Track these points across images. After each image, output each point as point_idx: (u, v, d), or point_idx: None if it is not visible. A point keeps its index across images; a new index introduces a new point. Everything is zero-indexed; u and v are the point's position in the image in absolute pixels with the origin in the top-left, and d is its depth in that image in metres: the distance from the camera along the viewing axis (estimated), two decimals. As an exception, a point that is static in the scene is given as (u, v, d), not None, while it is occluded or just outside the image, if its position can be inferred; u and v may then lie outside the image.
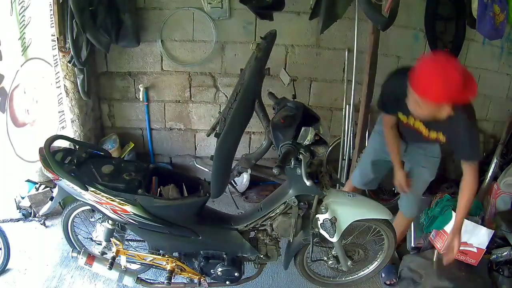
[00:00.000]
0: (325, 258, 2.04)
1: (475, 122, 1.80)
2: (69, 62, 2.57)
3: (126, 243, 2.12)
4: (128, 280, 1.86)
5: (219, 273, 1.89)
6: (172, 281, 1.87)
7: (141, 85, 2.97)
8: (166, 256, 1.90)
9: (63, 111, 2.58)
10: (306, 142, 1.51)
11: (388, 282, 2.32)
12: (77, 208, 2.05)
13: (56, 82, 2.48)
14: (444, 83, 1.46)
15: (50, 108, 2.45)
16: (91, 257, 1.84)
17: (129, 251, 1.92)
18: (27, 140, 2.18)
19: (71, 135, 2.72)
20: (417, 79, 1.51)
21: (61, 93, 2.55)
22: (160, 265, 1.94)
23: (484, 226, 2.24)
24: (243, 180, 3.14)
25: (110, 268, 1.81)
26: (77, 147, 1.96)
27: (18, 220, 2.67)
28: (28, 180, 2.58)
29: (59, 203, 2.22)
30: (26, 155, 2.17)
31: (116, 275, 1.84)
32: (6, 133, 2.03)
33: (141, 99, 3.01)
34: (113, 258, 1.83)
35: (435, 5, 2.85)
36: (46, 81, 2.38)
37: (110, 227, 1.88)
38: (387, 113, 1.97)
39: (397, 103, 1.76)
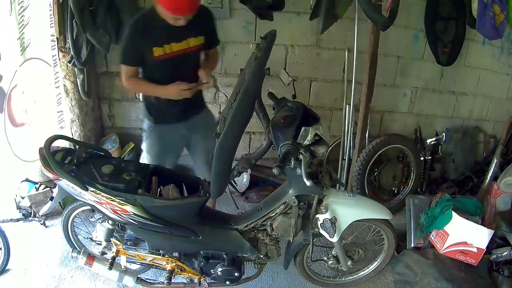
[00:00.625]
0: (325, 258, 2.04)
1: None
2: (69, 62, 2.57)
3: (127, 243, 2.13)
4: (128, 280, 1.86)
5: (219, 273, 1.89)
6: (172, 281, 1.86)
7: (141, 85, 2.97)
8: (166, 256, 1.90)
9: (62, 111, 2.58)
10: (306, 142, 1.51)
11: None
12: (77, 208, 2.05)
13: (55, 82, 2.48)
14: None
15: (49, 108, 2.45)
16: (91, 257, 1.84)
17: (129, 251, 1.92)
18: (24, 140, 2.18)
19: (70, 135, 2.73)
20: (164, 4, 1.67)
21: (60, 93, 2.55)
22: (160, 265, 1.94)
23: (484, 226, 2.24)
24: (243, 180, 3.14)
25: (110, 268, 1.81)
26: (77, 147, 1.96)
27: (18, 220, 2.67)
28: (26, 180, 2.58)
29: (59, 203, 2.22)
30: (23, 154, 2.17)
31: (116, 275, 1.84)
32: (4, 133, 2.04)
33: (141, 99, 3.01)
34: (113, 258, 1.83)
35: (435, 5, 2.85)
36: (45, 81, 2.38)
37: (110, 227, 1.88)
38: (134, 64, 1.91)
39: (147, 40, 1.81)
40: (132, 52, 1.87)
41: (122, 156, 3.01)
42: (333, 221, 1.76)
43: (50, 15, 2.34)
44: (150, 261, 1.94)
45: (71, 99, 2.75)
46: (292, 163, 1.56)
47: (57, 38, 2.45)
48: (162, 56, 1.86)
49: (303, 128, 1.50)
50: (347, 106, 2.92)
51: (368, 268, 2.24)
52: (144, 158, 2.21)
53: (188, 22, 1.80)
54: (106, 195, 1.69)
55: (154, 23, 1.80)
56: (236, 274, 1.91)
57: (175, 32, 1.83)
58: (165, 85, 1.92)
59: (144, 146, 2.21)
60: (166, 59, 1.88)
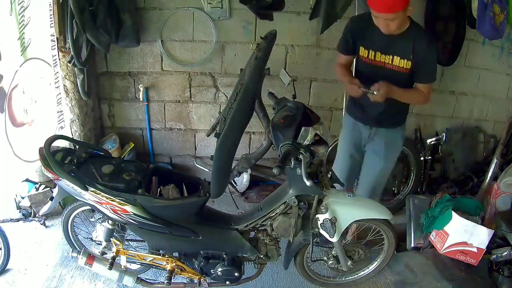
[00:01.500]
0: (325, 258, 2.04)
1: (435, 40, 1.95)
2: (69, 62, 2.57)
3: (126, 243, 2.12)
4: (128, 280, 1.86)
5: (219, 273, 1.89)
6: (172, 281, 1.87)
7: (141, 85, 2.97)
8: (166, 256, 1.90)
9: (62, 111, 2.57)
10: (306, 142, 1.51)
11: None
12: (77, 208, 2.05)
13: (55, 82, 2.48)
14: None
15: (49, 108, 2.45)
16: (91, 257, 1.84)
17: (129, 251, 1.92)
18: (25, 140, 2.18)
19: (70, 135, 2.72)
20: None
21: (60, 93, 2.55)
22: (160, 265, 1.94)
23: (484, 226, 2.24)
24: (243, 180, 3.14)
25: (110, 268, 1.81)
26: (77, 147, 1.96)
27: (18, 220, 2.67)
28: (27, 180, 2.58)
29: (59, 203, 2.22)
30: (24, 155, 2.17)
31: (116, 275, 1.84)
32: (5, 133, 2.03)
33: (141, 99, 3.01)
34: (113, 258, 1.83)
35: (435, 5, 2.85)
36: (45, 81, 2.38)
37: (110, 227, 1.88)
38: (346, 53, 2.03)
39: (358, 37, 1.90)
40: (343, 41, 1.99)
41: (122, 156, 3.01)
42: (333, 221, 1.76)
43: (50, 15, 2.34)
44: (150, 261, 1.94)
45: (71, 99, 2.75)
46: (292, 163, 1.56)
47: (57, 38, 2.45)
48: (365, 59, 1.90)
49: (303, 128, 1.50)
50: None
51: (368, 268, 2.24)
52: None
53: (399, 38, 1.79)
54: (106, 195, 1.69)
55: (370, 24, 1.82)
56: (236, 274, 1.91)
57: (384, 43, 1.83)
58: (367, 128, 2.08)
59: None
60: (368, 63, 1.90)
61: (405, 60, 1.84)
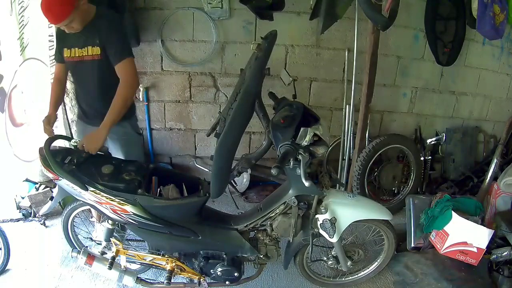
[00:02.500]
0: (325, 258, 2.04)
1: (118, 17, 1.98)
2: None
3: (126, 243, 2.12)
4: (128, 280, 1.86)
5: (219, 273, 1.89)
6: (172, 281, 1.86)
7: (141, 85, 2.97)
8: (166, 256, 1.90)
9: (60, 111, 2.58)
10: (305, 143, 1.51)
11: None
12: (77, 208, 2.05)
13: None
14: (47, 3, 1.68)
15: (47, 108, 2.45)
16: (91, 257, 1.84)
17: (129, 251, 1.92)
18: (24, 140, 2.18)
19: (70, 135, 2.72)
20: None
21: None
22: (160, 265, 1.93)
23: (484, 226, 2.24)
24: (243, 180, 3.14)
25: (110, 268, 1.81)
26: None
27: (18, 220, 2.67)
28: (27, 180, 2.58)
29: (59, 203, 2.23)
30: (23, 154, 2.17)
31: (116, 275, 1.84)
32: (5, 133, 2.04)
33: (141, 99, 3.01)
34: (113, 258, 1.83)
35: (435, 5, 2.85)
36: (42, 81, 2.38)
37: (110, 227, 1.88)
38: (56, 60, 2.01)
39: (61, 40, 1.92)
40: (56, 49, 1.99)
41: (122, 156, 3.01)
42: (333, 222, 1.75)
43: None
44: (150, 261, 1.94)
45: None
46: (291, 163, 1.56)
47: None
48: (69, 58, 1.90)
49: (302, 129, 1.50)
50: (347, 106, 2.93)
51: (368, 268, 2.24)
52: None
53: (85, 29, 1.82)
54: (106, 195, 1.69)
55: None
56: (236, 274, 1.91)
57: (77, 38, 1.85)
58: (76, 85, 2.04)
59: None
60: (72, 61, 1.91)
61: (96, 47, 1.85)
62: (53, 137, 1.80)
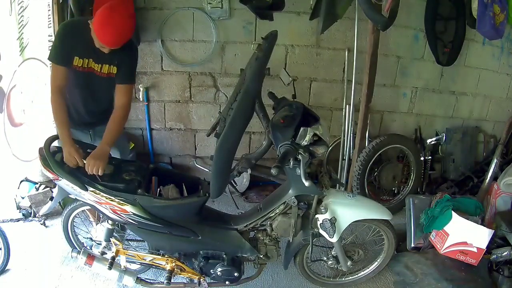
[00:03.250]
0: (325, 258, 2.04)
1: (135, 45, 2.04)
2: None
3: (126, 243, 2.12)
4: (128, 280, 1.86)
5: (218, 273, 1.89)
6: (172, 281, 1.86)
7: (141, 85, 2.97)
8: (166, 256, 1.90)
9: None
10: (305, 143, 1.51)
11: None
12: (77, 208, 2.05)
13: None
14: (116, 32, 1.71)
15: (46, 108, 2.45)
16: (91, 257, 1.84)
17: (129, 251, 1.92)
18: (23, 140, 2.18)
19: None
20: (97, 29, 1.70)
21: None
22: (160, 265, 1.94)
23: (484, 226, 2.24)
24: (243, 180, 3.14)
25: (110, 268, 1.81)
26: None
27: (18, 220, 2.67)
28: (26, 180, 2.58)
29: (59, 203, 2.22)
30: (21, 154, 2.17)
31: (116, 275, 1.84)
32: (3, 133, 2.03)
33: (141, 99, 3.01)
34: (113, 258, 1.83)
35: (435, 5, 2.85)
36: (41, 81, 2.38)
37: (110, 227, 1.88)
38: (62, 63, 1.84)
39: (75, 46, 1.83)
40: (59, 49, 1.86)
41: (122, 156, 3.01)
42: (333, 221, 1.75)
43: (49, 15, 2.34)
44: (150, 261, 1.94)
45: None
46: (291, 163, 1.56)
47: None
48: (79, 68, 1.87)
49: (301, 128, 1.50)
50: (347, 106, 2.93)
51: (368, 268, 2.24)
52: None
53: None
54: (105, 195, 1.70)
55: (82, 33, 1.80)
56: (235, 274, 1.91)
57: (95, 52, 1.83)
58: (77, 91, 1.95)
59: None
60: (81, 71, 1.88)
61: (113, 66, 1.89)
62: (53, 137, 1.80)
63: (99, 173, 1.70)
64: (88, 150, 1.78)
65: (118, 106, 1.92)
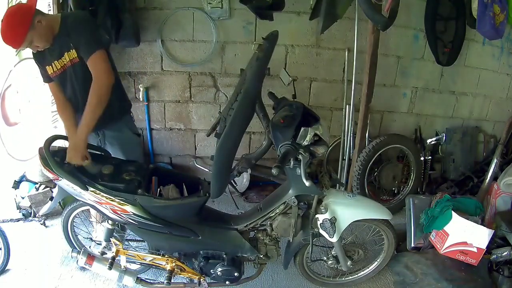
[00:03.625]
0: (325, 258, 2.04)
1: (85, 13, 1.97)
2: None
3: (126, 243, 2.12)
4: (128, 280, 1.87)
5: (219, 273, 1.90)
6: (172, 281, 1.87)
7: (141, 85, 2.97)
8: (166, 256, 1.90)
9: (55, 110, 2.57)
10: (305, 143, 1.51)
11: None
12: (77, 208, 2.05)
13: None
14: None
15: (43, 107, 2.45)
16: (91, 257, 1.85)
17: (129, 251, 1.92)
18: (18, 139, 2.17)
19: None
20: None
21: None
22: (160, 265, 1.94)
23: (484, 226, 2.24)
24: (243, 180, 3.14)
25: (110, 268, 1.81)
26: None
27: (18, 220, 2.68)
28: (26, 180, 2.57)
29: (59, 203, 2.23)
30: (17, 154, 2.16)
31: (116, 275, 1.85)
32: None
33: (141, 99, 3.01)
34: (113, 258, 1.83)
35: (435, 5, 2.85)
36: (39, 81, 2.38)
37: (110, 227, 1.88)
38: (48, 80, 1.94)
39: (39, 61, 1.88)
40: (41, 72, 1.94)
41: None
42: (333, 221, 1.75)
43: (49, 15, 2.33)
44: (150, 261, 1.94)
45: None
46: (292, 163, 1.56)
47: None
48: (53, 74, 1.88)
49: (302, 128, 1.50)
50: (347, 106, 2.93)
51: (368, 268, 2.24)
52: None
53: (56, 40, 1.79)
54: (106, 195, 1.69)
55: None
56: (236, 274, 1.91)
57: (52, 51, 1.83)
58: (69, 95, 1.94)
59: None
60: (58, 75, 1.88)
61: (71, 51, 1.81)
62: (53, 137, 1.80)
63: (84, 164, 1.69)
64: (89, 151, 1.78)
65: (92, 82, 1.76)
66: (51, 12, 2.35)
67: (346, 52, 2.93)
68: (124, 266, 1.88)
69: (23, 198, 2.69)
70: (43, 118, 2.46)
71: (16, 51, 2.08)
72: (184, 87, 3.03)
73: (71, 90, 1.94)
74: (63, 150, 1.83)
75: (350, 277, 2.25)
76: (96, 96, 1.74)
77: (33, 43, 1.74)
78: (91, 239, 2.14)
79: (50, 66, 1.86)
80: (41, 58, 1.88)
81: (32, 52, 1.89)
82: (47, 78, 1.94)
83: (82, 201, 1.84)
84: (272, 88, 2.24)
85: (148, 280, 1.98)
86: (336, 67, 3.00)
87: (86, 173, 1.73)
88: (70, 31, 1.78)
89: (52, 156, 1.70)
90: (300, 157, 1.51)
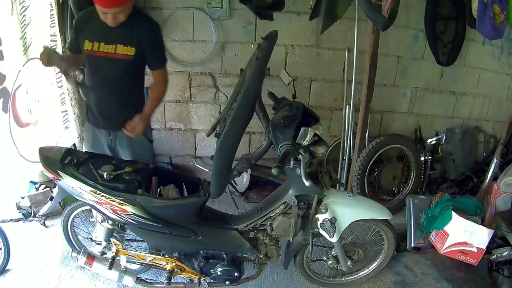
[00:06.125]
0: (325, 258, 2.04)
1: (157, 23, 1.98)
2: (69, 62, 2.57)
3: (126, 243, 2.12)
4: (128, 280, 1.87)
5: (219, 273, 1.90)
6: (172, 281, 1.87)
7: (141, 85, 2.97)
8: (166, 256, 1.90)
9: (66, 110, 2.57)
10: (305, 143, 1.51)
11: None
12: (77, 208, 2.05)
13: (57, 82, 2.48)
14: None
15: (53, 108, 2.45)
16: (91, 257, 1.85)
17: (129, 251, 1.92)
18: (30, 140, 2.17)
19: (74, 135, 2.72)
20: None
21: (63, 93, 2.55)
22: (160, 265, 1.94)
23: (484, 226, 2.24)
24: (243, 180, 3.14)
25: (110, 268, 1.81)
26: (77, 147, 1.96)
27: (18, 220, 2.67)
28: (31, 181, 2.58)
29: (59, 203, 2.22)
30: (29, 155, 2.16)
31: (116, 275, 1.85)
32: (10, 133, 2.03)
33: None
34: (113, 258, 1.83)
35: (435, 5, 2.85)
36: (47, 81, 2.38)
37: (110, 227, 1.88)
38: (74, 49, 1.97)
39: (82, 31, 1.88)
40: (72, 38, 1.96)
41: (122, 156, 3.01)
42: (333, 221, 1.76)
43: (51, 15, 2.34)
44: (150, 261, 1.94)
45: (71, 99, 2.75)
46: (292, 163, 1.56)
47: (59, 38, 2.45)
48: (90, 52, 1.86)
49: (302, 129, 1.50)
50: (347, 106, 2.93)
51: (368, 268, 2.24)
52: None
53: (119, 26, 1.80)
54: (106, 195, 1.69)
55: (92, 17, 1.81)
56: (236, 274, 1.91)
57: (106, 33, 1.82)
58: (93, 83, 1.98)
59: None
60: (94, 56, 1.87)
61: (129, 47, 1.84)
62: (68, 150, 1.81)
63: (136, 136, 1.87)
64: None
65: (159, 84, 2.03)
66: (52, 12, 2.35)
67: (346, 52, 2.93)
68: (124, 266, 1.88)
69: (23, 198, 2.70)
70: (53, 118, 2.46)
71: (23, 50, 2.08)
72: (184, 87, 3.03)
73: (99, 78, 1.92)
74: (63, 150, 1.83)
75: (350, 277, 2.25)
76: (160, 98, 2.08)
77: (120, 13, 1.74)
78: (91, 239, 2.14)
79: (91, 43, 1.84)
80: (83, 28, 1.85)
81: (78, 17, 1.93)
82: (74, 47, 1.95)
83: (82, 201, 1.84)
84: (272, 88, 2.24)
85: (148, 280, 1.98)
86: (336, 67, 3.00)
87: (86, 173, 1.73)
88: (145, 33, 1.84)
89: (52, 156, 1.70)
90: (300, 157, 1.51)
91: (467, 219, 2.23)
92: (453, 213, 2.25)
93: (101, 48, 1.84)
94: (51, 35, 2.36)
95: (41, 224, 2.63)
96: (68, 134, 2.57)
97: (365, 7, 2.01)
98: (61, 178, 1.72)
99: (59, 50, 2.45)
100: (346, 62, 2.96)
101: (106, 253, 1.92)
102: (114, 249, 1.87)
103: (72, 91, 2.73)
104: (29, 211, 2.69)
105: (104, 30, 1.81)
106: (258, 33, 2.84)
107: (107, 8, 1.70)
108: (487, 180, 2.89)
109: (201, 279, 1.94)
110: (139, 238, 2.09)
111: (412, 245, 2.45)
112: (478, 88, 3.31)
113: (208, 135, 1.97)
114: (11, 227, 2.55)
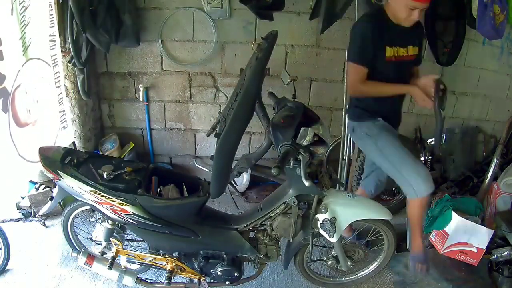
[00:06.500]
0: (325, 258, 2.04)
1: None
2: (69, 62, 2.57)
3: (126, 243, 2.12)
4: (128, 280, 1.86)
5: (219, 273, 1.90)
6: (172, 281, 1.87)
7: (141, 85, 2.97)
8: (166, 256, 1.90)
9: (64, 111, 2.57)
10: (305, 143, 1.51)
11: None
12: (77, 208, 2.05)
13: (56, 82, 2.48)
14: None
15: (51, 108, 2.45)
16: (91, 257, 1.84)
17: (129, 251, 1.92)
18: (29, 140, 2.17)
19: (71, 135, 2.72)
20: None
21: (61, 93, 2.55)
22: (160, 265, 1.94)
23: (484, 226, 2.24)
24: (243, 180, 3.14)
25: (110, 268, 1.81)
26: (77, 147, 1.96)
27: (18, 220, 2.67)
28: (30, 181, 2.58)
29: (59, 203, 2.22)
30: (28, 155, 2.16)
31: (116, 275, 1.84)
32: (9, 133, 2.03)
33: (141, 99, 3.01)
34: (113, 258, 1.83)
35: (435, 5, 2.85)
36: (45, 81, 2.38)
37: (110, 227, 1.88)
38: (367, 63, 1.86)
39: (381, 40, 1.81)
40: (368, 51, 1.82)
41: (122, 156, 3.01)
42: (333, 221, 1.75)
43: (50, 15, 2.34)
44: (150, 261, 1.94)
45: (71, 99, 2.76)
46: (292, 163, 1.56)
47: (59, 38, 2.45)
48: (390, 58, 1.83)
49: (302, 128, 1.50)
50: (347, 106, 2.92)
51: (368, 268, 2.24)
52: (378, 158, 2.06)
53: (411, 28, 1.80)
54: (106, 195, 1.70)
55: (386, 22, 1.80)
56: (236, 274, 1.91)
57: (400, 37, 1.81)
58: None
59: (376, 144, 2.03)
60: (393, 62, 1.84)
61: (415, 47, 1.86)
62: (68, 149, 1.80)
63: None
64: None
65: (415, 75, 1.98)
66: (52, 12, 2.35)
67: (346, 52, 2.93)
68: (124, 266, 1.87)
69: (23, 198, 2.70)
70: (51, 118, 2.46)
71: (22, 50, 2.08)
72: (184, 87, 3.03)
73: (394, 80, 1.89)
74: (63, 150, 1.83)
75: (350, 277, 2.25)
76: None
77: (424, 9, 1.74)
78: (91, 239, 2.14)
79: (392, 49, 1.81)
80: (382, 35, 1.78)
81: (373, 26, 1.78)
82: (367, 60, 1.83)
83: (82, 201, 1.85)
84: (272, 88, 2.24)
85: (148, 280, 1.98)
86: (336, 67, 3.00)
87: (86, 173, 1.73)
88: (421, 34, 1.86)
89: (52, 156, 1.70)
90: (300, 157, 1.51)
91: (467, 219, 2.23)
92: (453, 213, 2.25)
93: (399, 53, 1.84)
94: (50, 35, 2.36)
95: (41, 224, 2.63)
96: (65, 134, 2.57)
97: (365, 7, 2.01)
98: (61, 178, 1.72)
99: (58, 50, 2.45)
100: (346, 62, 2.96)
101: (106, 253, 1.92)
102: (114, 249, 1.86)
103: (72, 91, 2.74)
104: (29, 211, 2.69)
105: (399, 35, 1.81)
106: (258, 33, 2.84)
107: (426, 3, 1.71)
108: (487, 180, 2.89)
109: (201, 279, 1.94)
110: (139, 238, 2.09)
111: (412, 245, 2.45)
112: (478, 88, 3.31)
113: (208, 135, 1.97)
114: (11, 227, 2.56)
